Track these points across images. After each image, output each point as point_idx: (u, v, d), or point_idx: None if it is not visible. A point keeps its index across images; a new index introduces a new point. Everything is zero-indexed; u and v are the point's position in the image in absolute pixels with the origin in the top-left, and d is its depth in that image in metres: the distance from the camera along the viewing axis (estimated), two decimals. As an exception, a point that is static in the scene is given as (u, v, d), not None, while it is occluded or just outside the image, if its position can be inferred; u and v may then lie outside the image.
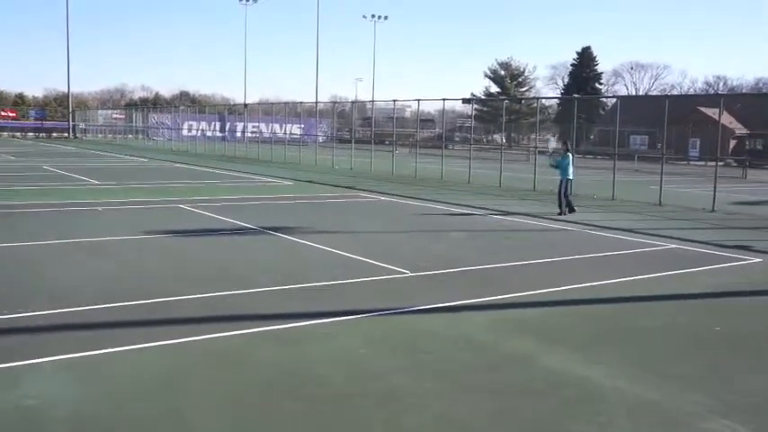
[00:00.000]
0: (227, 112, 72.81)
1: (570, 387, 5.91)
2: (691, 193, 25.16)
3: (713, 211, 19.71)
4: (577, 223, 16.47)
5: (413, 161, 32.43)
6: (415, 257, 11.43)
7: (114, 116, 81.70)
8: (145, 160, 39.31)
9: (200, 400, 5.43)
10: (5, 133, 77.30)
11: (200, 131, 64.12)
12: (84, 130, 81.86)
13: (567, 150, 19.33)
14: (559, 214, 17.82)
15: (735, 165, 44.41)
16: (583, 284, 9.77)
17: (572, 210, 18.07)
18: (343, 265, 10.68)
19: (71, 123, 79.56)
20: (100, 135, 77.02)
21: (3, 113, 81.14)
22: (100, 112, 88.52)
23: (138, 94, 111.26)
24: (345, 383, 5.90)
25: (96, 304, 7.92)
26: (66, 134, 77.48)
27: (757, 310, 9.07)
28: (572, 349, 6.96)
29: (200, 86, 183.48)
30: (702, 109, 56.68)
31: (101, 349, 6.43)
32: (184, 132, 64.60)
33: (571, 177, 18.48)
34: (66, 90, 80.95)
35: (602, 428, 5.09)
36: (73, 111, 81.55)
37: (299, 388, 5.75)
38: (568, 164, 18.50)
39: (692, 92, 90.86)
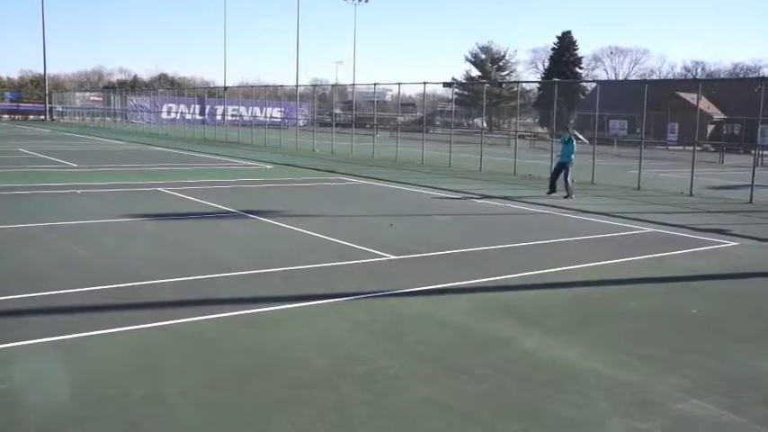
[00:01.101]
0: (206, 95, 72.18)
1: (550, 369, 5.96)
2: (669, 178, 25.37)
3: (691, 195, 19.91)
4: (557, 207, 16.57)
5: (394, 145, 32.39)
6: (397, 241, 11.44)
7: (92, 99, 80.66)
8: (123, 143, 38.93)
9: (178, 384, 5.41)
10: (-20, 115, 76.20)
11: (179, 114, 63.53)
12: (61, 112, 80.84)
13: (570, 133, 19.64)
14: (565, 197, 17.98)
15: (712, 149, 44.86)
16: (562, 268, 9.84)
17: (553, 191, 18.34)
18: (324, 249, 10.67)
19: (47, 106, 78.56)
20: (77, 118, 76.08)
21: (-24, 95, 79.89)
22: (77, 94, 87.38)
23: (116, 77, 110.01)
24: (327, 366, 5.90)
25: (72, 288, 7.85)
26: (42, 117, 76.56)
27: (733, 292, 9.19)
28: (552, 332, 7.02)
29: (180, 69, 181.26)
30: (681, 94, 57.03)
31: (76, 333, 6.37)
32: (164, 116, 64.03)
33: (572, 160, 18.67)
34: (42, 71, 79.88)
35: (580, 410, 5.14)
36: (49, 93, 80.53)
37: (279, 371, 5.74)
38: (572, 146, 18.78)
39: (670, 77, 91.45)
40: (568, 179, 18.48)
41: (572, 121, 53.56)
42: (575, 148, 18.83)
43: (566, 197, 18.06)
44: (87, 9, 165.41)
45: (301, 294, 7.94)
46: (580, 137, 19.15)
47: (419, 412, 5.07)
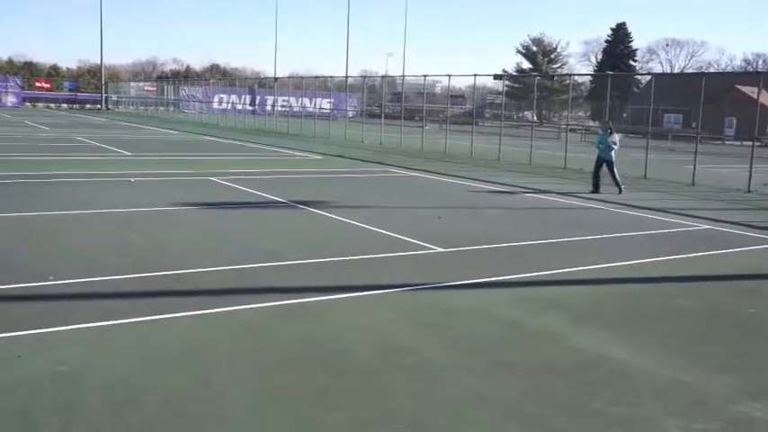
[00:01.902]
0: (257, 85, 72.92)
1: (599, 367, 5.87)
2: (725, 174, 24.72)
3: (749, 191, 19.36)
4: (609, 202, 16.29)
5: (443, 137, 32.25)
6: (446, 233, 11.39)
7: (146, 88, 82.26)
8: (176, 133, 39.60)
9: (228, 371, 5.48)
10: (40, 104, 78.39)
11: (230, 105, 64.35)
12: (117, 102, 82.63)
13: (612, 129, 19.02)
14: (619, 192, 17.68)
15: (772, 145, 43.46)
16: (614, 263, 9.67)
17: (597, 189, 17.98)
18: (372, 240, 10.69)
19: (103, 95, 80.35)
20: (131, 107, 77.69)
21: (37, 84, 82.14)
22: (132, 84, 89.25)
23: (169, 67, 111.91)
24: (374, 357, 5.92)
25: (125, 274, 8.02)
26: (98, 106, 78.37)
27: (792, 292, 8.91)
28: (602, 328, 6.91)
29: (231, 60, 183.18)
30: (740, 87, 55.47)
31: (130, 318, 6.51)
32: (215, 105, 64.91)
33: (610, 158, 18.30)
34: (98, 62, 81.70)
35: (629, 409, 5.05)
36: (105, 83, 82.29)
37: (327, 360, 5.78)
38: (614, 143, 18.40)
39: (729, 69, 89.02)
40: (615, 174, 18.10)
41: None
42: (617, 143, 18.43)
43: (619, 193, 17.71)
44: (143, 0, 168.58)
45: (349, 285, 7.97)
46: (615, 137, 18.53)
47: (464, 404, 5.04)
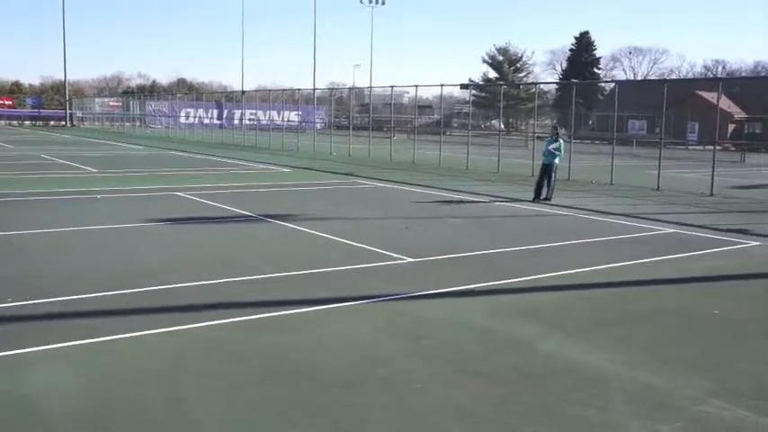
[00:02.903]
0: (224, 99, 72.61)
1: (570, 372, 5.93)
2: (689, 178, 25.17)
3: (712, 195, 19.73)
4: (576, 208, 16.49)
5: (411, 147, 32.39)
6: (415, 244, 11.44)
7: (111, 104, 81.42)
8: (142, 148, 39.24)
9: (200, 387, 5.44)
10: (2, 122, 77.17)
11: (197, 119, 63.97)
12: (81, 118, 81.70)
13: (558, 135, 19.03)
14: (544, 200, 17.73)
15: (733, 149, 44.42)
16: (582, 269, 9.79)
17: (539, 197, 17.84)
18: (342, 252, 10.69)
19: (68, 111, 79.38)
20: (97, 123, 76.89)
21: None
22: (97, 99, 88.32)
23: (134, 82, 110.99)
24: (347, 369, 5.92)
25: (94, 292, 7.92)
26: (63, 122, 77.35)
27: (755, 293, 9.10)
28: (572, 334, 6.99)
29: (198, 74, 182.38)
30: (701, 93, 56.57)
31: (99, 337, 6.43)
32: (182, 120, 64.52)
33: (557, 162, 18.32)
34: (62, 78, 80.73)
35: (601, 413, 5.11)
36: (69, 99, 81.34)
37: (299, 375, 5.76)
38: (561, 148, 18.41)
39: (690, 76, 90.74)
40: (552, 180, 18.05)
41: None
42: (562, 150, 18.49)
43: (545, 199, 17.65)
44: (106, 15, 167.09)
45: (320, 297, 7.96)
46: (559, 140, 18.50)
47: (439, 415, 5.06)
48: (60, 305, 7.46)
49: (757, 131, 56.25)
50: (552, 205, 17.01)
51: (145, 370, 5.78)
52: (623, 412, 5.14)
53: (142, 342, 6.40)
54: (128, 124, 70.82)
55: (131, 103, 75.94)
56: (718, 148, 22.99)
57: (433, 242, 11.72)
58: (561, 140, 18.66)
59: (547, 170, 18.19)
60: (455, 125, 68.91)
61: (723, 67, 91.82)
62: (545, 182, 18.13)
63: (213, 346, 6.38)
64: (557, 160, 18.25)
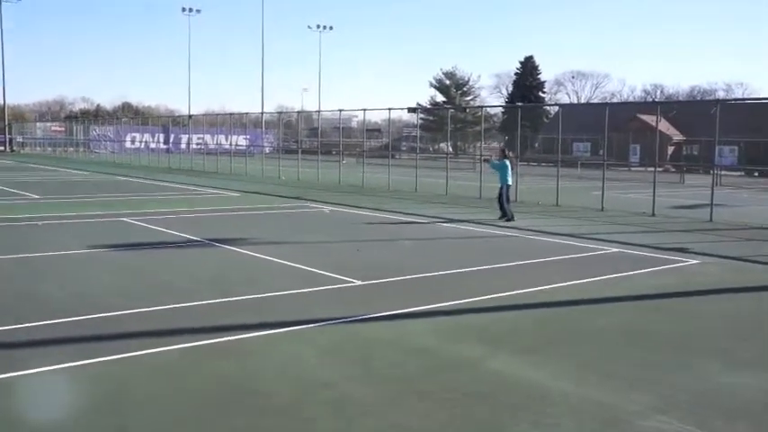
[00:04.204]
0: (171, 123, 71.75)
1: (517, 390, 5.99)
2: (632, 198, 25.78)
3: (653, 215, 20.24)
4: (523, 229, 16.72)
5: (360, 171, 32.47)
6: (364, 266, 11.44)
7: (53, 129, 79.66)
8: (87, 173, 38.46)
9: (143, 416, 5.32)
10: (-62, 148, 74.70)
11: (143, 144, 63.00)
12: (22, 143, 79.64)
13: (506, 156, 19.49)
14: (501, 218, 18.09)
15: (673, 170, 45.73)
16: (528, 289, 9.92)
17: (510, 219, 18.22)
18: (290, 276, 10.62)
19: (8, 136, 77.32)
20: (39, 148, 75.07)
21: (-66, 127, 78.37)
22: (38, 124, 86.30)
23: (78, 106, 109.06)
24: (294, 393, 5.86)
25: (33, 321, 7.69)
26: (2, 147, 75.27)
27: (695, 309, 9.34)
28: (518, 353, 7.06)
29: (144, 98, 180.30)
30: (641, 116, 58.19)
31: (39, 368, 6.24)
32: (128, 145, 63.45)
33: (509, 183, 18.75)
34: (1, 102, 78.74)
35: (548, 430, 5.16)
36: (9, 123, 79.28)
37: (245, 400, 5.68)
38: (507, 169, 18.77)
39: (631, 99, 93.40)
40: (505, 201, 18.54)
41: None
42: (509, 171, 18.91)
43: (507, 219, 18.08)
44: (48, 38, 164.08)
45: (267, 322, 7.88)
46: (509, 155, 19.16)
47: (387, 437, 5.04)
48: (-3, 335, 7.22)
49: (695, 153, 58.03)
50: (500, 226, 17.22)
51: (86, 399, 5.62)
52: (570, 428, 5.20)
53: (82, 372, 6.23)
54: (71, 149, 69.35)
55: (75, 127, 74.43)
56: (658, 169, 23.67)
57: (382, 264, 11.73)
58: (507, 161, 19.08)
59: (501, 190, 18.61)
60: (404, 148, 69.31)
61: (661, 91, 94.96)
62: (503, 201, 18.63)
63: (156, 374, 6.25)
64: (509, 179, 18.65)
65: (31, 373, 6.11)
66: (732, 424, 5.33)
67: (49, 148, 72.52)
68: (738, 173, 48.72)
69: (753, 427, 5.29)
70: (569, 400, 5.74)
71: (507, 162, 19.03)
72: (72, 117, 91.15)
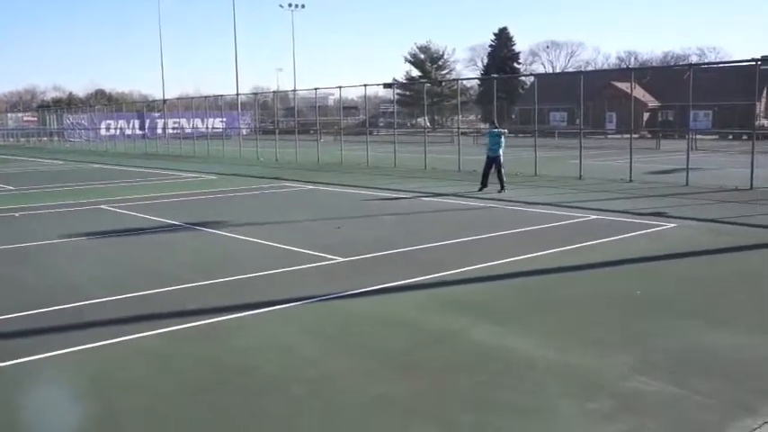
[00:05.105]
0: (145, 109, 70.96)
1: (500, 359, 6.06)
2: (609, 166, 25.96)
3: (630, 181, 20.41)
4: (502, 200, 16.81)
5: (338, 149, 32.39)
6: (347, 243, 11.46)
7: (26, 119, 78.49)
8: (62, 163, 38.02)
9: (128, 402, 5.33)
10: None
11: (118, 130, 62.31)
12: (-6, 135, 78.48)
13: (496, 127, 19.60)
14: (500, 191, 18.23)
15: (649, 136, 46.03)
16: (509, 259, 10.00)
17: (485, 186, 18.58)
18: (272, 256, 10.62)
19: (-21, 129, 76.16)
20: (11, 139, 73.96)
21: None
22: (9, 115, 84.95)
23: (50, 95, 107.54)
24: (279, 372, 5.89)
25: (13, 312, 7.65)
26: (-26, 140, 74.16)
27: (673, 272, 9.48)
28: (501, 322, 7.14)
29: (116, 84, 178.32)
30: (616, 84, 58.45)
31: (19, 358, 6.22)
32: (102, 132, 62.74)
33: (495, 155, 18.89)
34: (-30, 94, 77.44)
35: (531, 396, 5.24)
36: (-21, 115, 78.01)
37: (231, 380, 5.71)
38: (495, 139, 18.92)
39: (605, 67, 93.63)
40: (502, 172, 18.73)
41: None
42: (503, 142, 19.03)
43: (500, 191, 18.28)
44: (16, 27, 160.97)
45: (250, 302, 7.90)
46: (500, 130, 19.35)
47: (372, 411, 5.10)
48: (-22, 328, 7.18)
49: (670, 118, 58.48)
50: (480, 198, 17.30)
51: (71, 387, 5.62)
52: (554, 394, 5.28)
53: (64, 360, 6.22)
54: (45, 139, 68.45)
55: (48, 116, 73.38)
56: (634, 136, 23.80)
57: (364, 241, 11.76)
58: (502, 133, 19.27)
59: (494, 162, 18.76)
60: (381, 124, 69.22)
61: (635, 58, 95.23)
62: (490, 172, 18.81)
63: (140, 359, 6.25)
64: (501, 151, 18.76)
65: (15, 364, 6.08)
66: (711, 381, 5.44)
67: (23, 139, 71.49)
68: (713, 137, 49.22)
69: (731, 384, 5.41)
70: (551, 367, 5.83)
71: (502, 133, 19.21)
72: (44, 106, 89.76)
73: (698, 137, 39.82)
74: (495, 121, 20.95)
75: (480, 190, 18.56)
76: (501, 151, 18.86)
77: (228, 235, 12.61)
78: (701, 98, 39.66)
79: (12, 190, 22.83)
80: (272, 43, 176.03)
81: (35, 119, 76.79)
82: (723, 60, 70.59)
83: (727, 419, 4.80)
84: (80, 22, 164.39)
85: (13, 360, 6.17)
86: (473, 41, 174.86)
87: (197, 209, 16.80)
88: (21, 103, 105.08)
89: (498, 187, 18.49)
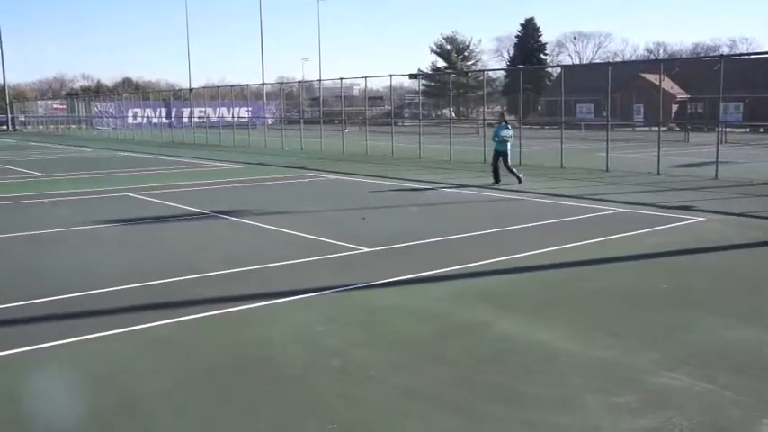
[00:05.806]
0: (172, 97, 71.44)
1: (526, 352, 6.02)
2: (637, 158, 25.67)
3: (658, 174, 20.16)
4: (528, 192, 16.69)
5: (363, 139, 32.37)
6: (371, 234, 11.45)
7: (55, 107, 79.40)
8: (90, 150, 38.44)
9: (154, 387, 5.37)
10: (-60, 128, 74.67)
11: (145, 119, 62.84)
12: (24, 122, 79.53)
13: (505, 122, 19.27)
14: (519, 182, 18.04)
15: (678, 129, 45.45)
16: (535, 251, 9.92)
17: (497, 181, 18.34)
18: (297, 245, 10.64)
19: (10, 115, 77.19)
20: (41, 126, 74.93)
21: (-64, 107, 78.22)
22: (39, 102, 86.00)
23: (78, 83, 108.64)
24: (303, 361, 5.90)
25: (42, 297, 7.74)
26: (5, 127, 75.19)
27: (701, 266, 9.35)
28: (527, 314, 7.08)
29: (144, 72, 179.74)
30: (644, 75, 57.69)
31: (47, 342, 6.29)
32: (129, 120, 63.31)
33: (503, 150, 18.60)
34: (1, 81, 78.48)
35: (556, 389, 5.19)
36: (10, 102, 79.07)
37: (254, 369, 5.73)
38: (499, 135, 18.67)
39: (633, 59, 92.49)
40: (509, 165, 18.51)
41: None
42: (512, 137, 18.79)
43: (519, 182, 18.08)
44: (46, 16, 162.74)
45: (275, 291, 7.92)
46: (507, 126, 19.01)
47: (395, 401, 5.08)
48: (4, 312, 7.27)
49: (699, 111, 57.64)
50: (504, 190, 17.20)
51: (97, 373, 5.68)
52: (579, 387, 5.23)
53: (92, 345, 6.28)
54: (74, 126, 69.20)
55: (76, 104, 74.16)
56: (662, 128, 23.50)
57: (389, 231, 11.74)
58: (509, 128, 18.98)
59: (500, 156, 18.48)
60: (406, 115, 69.04)
61: (664, 50, 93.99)
62: (499, 166, 18.53)
63: (165, 346, 6.30)
64: (509, 146, 18.54)
65: (37, 349, 6.15)
66: (740, 378, 5.35)
67: (52, 126, 72.34)
68: (743, 130, 48.43)
69: (760, 381, 5.32)
70: (578, 360, 5.77)
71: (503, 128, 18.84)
72: (73, 94, 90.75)
73: (728, 129, 39.17)
74: (504, 116, 20.51)
75: (493, 185, 18.27)
76: (508, 146, 18.57)
77: (253, 224, 12.65)
78: (732, 90, 39.01)
79: (42, 176, 23.11)
80: (297, 33, 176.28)
81: (64, 107, 77.66)
82: (755, 51, 69.40)
83: (757, 416, 4.72)
84: (108, 11, 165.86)
85: (34, 345, 6.24)
86: (499, 32, 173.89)
87: (222, 197, 16.89)
88: (50, 90, 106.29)
89: (515, 180, 18.27)
